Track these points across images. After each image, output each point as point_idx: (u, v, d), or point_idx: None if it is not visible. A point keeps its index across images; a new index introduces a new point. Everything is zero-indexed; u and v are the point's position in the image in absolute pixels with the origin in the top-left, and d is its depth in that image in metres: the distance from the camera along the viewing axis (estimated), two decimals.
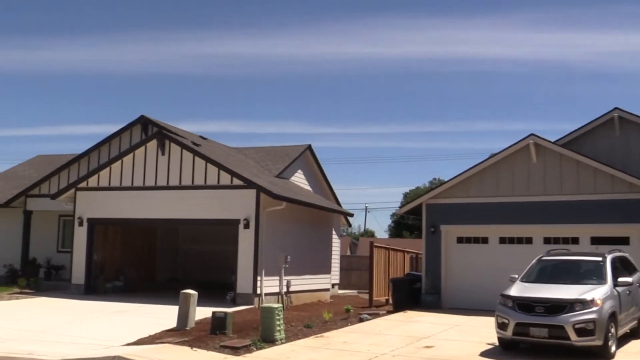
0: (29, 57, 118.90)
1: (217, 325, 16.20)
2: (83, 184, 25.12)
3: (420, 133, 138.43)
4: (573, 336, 13.16)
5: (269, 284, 22.96)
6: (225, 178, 22.89)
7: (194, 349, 14.47)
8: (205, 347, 14.60)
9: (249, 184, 22.45)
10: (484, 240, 23.38)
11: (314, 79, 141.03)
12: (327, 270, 28.58)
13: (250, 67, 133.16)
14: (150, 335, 16.02)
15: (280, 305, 16.17)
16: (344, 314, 20.84)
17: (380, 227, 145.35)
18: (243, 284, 22.22)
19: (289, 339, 15.98)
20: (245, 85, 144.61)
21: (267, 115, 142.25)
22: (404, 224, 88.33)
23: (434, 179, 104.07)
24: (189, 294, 17.09)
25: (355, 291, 35.42)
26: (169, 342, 15.04)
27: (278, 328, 15.64)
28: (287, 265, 23.88)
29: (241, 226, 22.49)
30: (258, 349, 14.63)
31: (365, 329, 18.03)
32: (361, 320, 19.64)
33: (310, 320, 19.10)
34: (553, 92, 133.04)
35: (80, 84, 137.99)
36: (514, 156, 22.83)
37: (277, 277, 23.57)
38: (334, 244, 30.85)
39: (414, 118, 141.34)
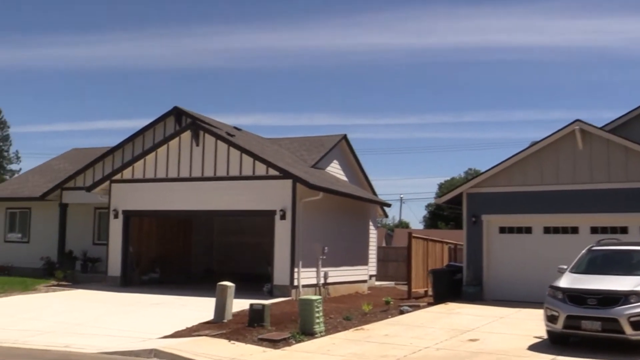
0: (63, 54, 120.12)
1: (255, 317, 15.84)
2: (118, 176, 24.96)
3: (455, 123, 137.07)
4: (628, 329, 12.51)
5: (306, 276, 22.57)
6: (261, 168, 22.51)
7: (232, 341, 14.13)
8: (243, 340, 14.27)
9: (285, 174, 22.03)
10: (528, 230, 22.64)
11: (345, 70, 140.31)
12: (364, 261, 28.09)
13: (281, 59, 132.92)
14: (187, 328, 15.73)
15: (320, 297, 15.75)
16: (383, 306, 20.34)
17: (416, 217, 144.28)
18: (280, 275, 21.84)
19: (328, 331, 15.57)
20: (276, 78, 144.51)
21: (298, 108, 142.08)
22: (440, 214, 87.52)
23: (469, 169, 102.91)
24: (225, 286, 16.75)
25: (393, 283, 34.88)
26: (207, 335, 14.73)
27: (317, 320, 15.24)
28: (324, 257, 23.45)
29: (277, 217, 22.09)
30: (297, 341, 14.25)
31: (406, 322, 17.51)
32: (401, 312, 19.12)
33: (349, 312, 18.66)
34: (590, 80, 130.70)
35: (115, 79, 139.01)
36: (558, 143, 22.04)
37: (315, 269, 23.16)
38: (371, 235, 30.34)
39: (449, 108, 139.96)
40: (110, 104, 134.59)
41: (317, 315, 15.22)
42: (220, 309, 16.63)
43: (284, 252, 21.89)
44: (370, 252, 29.88)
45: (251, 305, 16.10)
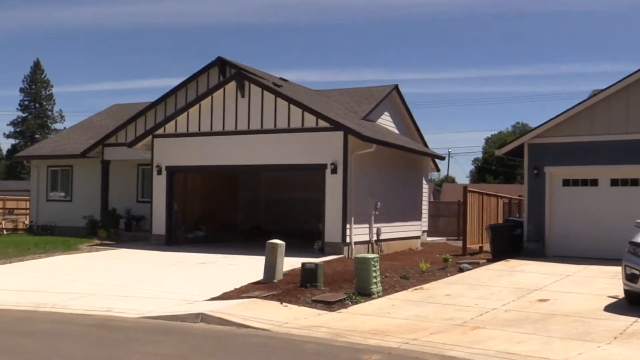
0: (104, 11, 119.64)
1: (308, 277, 14.80)
2: (160, 131, 23.95)
3: (501, 77, 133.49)
4: None
5: (359, 232, 21.42)
6: (310, 120, 21.24)
7: (284, 304, 13.12)
8: (296, 302, 13.27)
9: (336, 126, 20.74)
10: (593, 183, 21.12)
11: (390, 25, 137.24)
12: (417, 216, 26.80)
13: (324, 13, 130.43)
14: (235, 289, 14.76)
15: (377, 255, 14.63)
16: (440, 264, 19.15)
17: (464, 171, 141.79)
18: (331, 232, 20.72)
19: (385, 291, 14.52)
20: (320, 33, 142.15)
21: (342, 63, 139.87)
22: (487, 169, 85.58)
23: (517, 123, 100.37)
24: (276, 244, 15.69)
25: (444, 238, 33.61)
26: (256, 297, 13.73)
27: (374, 280, 14.15)
28: (377, 212, 22.26)
29: (328, 171, 20.88)
30: (353, 303, 13.24)
31: (467, 280, 16.32)
32: (461, 270, 17.92)
33: (405, 270, 17.56)
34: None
35: (159, 37, 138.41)
36: (629, 89, 20.32)
37: (367, 225, 21.99)
38: (423, 190, 29.00)
39: (495, 62, 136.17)
40: (153, 62, 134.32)
41: (374, 274, 14.14)
42: (270, 268, 15.60)
43: (335, 207, 20.74)
44: (422, 207, 28.57)
45: (303, 264, 15.05)
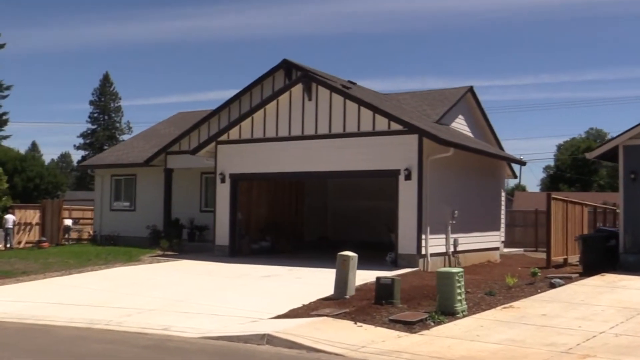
0: (167, 27, 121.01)
1: (383, 293, 13.36)
2: (224, 137, 22.87)
3: (572, 83, 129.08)
4: None
5: (434, 243, 19.83)
6: (382, 123, 19.79)
7: (358, 323, 11.70)
8: (372, 322, 11.83)
9: (410, 129, 19.24)
10: None
11: (459, 33, 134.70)
12: (496, 226, 24.97)
13: (385, 23, 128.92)
14: (303, 306, 13.42)
15: (461, 269, 13.02)
16: (527, 278, 17.35)
17: (535, 178, 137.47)
18: (405, 243, 19.17)
19: (470, 310, 12.92)
20: (382, 42, 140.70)
21: (408, 71, 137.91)
22: (561, 176, 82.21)
23: (591, 128, 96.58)
24: (347, 257, 14.29)
25: (521, 249, 31.59)
26: (327, 315, 12.33)
27: (459, 297, 12.58)
28: (454, 222, 20.63)
29: (401, 177, 19.37)
30: (436, 323, 11.71)
31: (562, 297, 14.51)
32: (552, 285, 16.07)
33: (489, 286, 15.91)
34: None
35: (223, 50, 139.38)
36: None
37: (443, 235, 20.38)
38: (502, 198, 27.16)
39: (565, 67, 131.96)
40: (218, 74, 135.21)
41: (458, 291, 12.57)
42: (342, 283, 14.20)
43: (409, 216, 19.20)
44: (501, 216, 26.73)
45: (378, 279, 13.61)
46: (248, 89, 25.19)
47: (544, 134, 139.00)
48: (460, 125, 26.16)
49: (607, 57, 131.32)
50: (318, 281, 16.62)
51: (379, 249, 24.31)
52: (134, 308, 13.42)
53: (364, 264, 19.57)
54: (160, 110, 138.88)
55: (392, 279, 13.46)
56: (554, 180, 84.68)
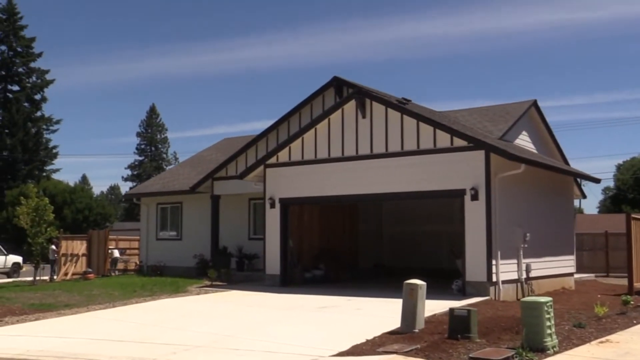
0: (219, 58, 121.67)
1: (458, 326, 11.78)
2: (272, 160, 21.59)
3: (628, 100, 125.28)
4: None
5: (505, 269, 18.09)
6: (444, 139, 18.27)
7: None
8: None
9: (476, 144, 17.69)
10: None
11: (502, 53, 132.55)
12: (570, 250, 23.04)
13: (432, 47, 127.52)
14: (367, 341, 11.90)
15: (550, 299, 11.32)
16: (615, 307, 15.52)
17: (595, 198, 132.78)
18: (473, 270, 17.49)
19: (560, 344, 11.22)
20: (427, 67, 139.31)
21: (455, 95, 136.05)
22: (623, 197, 78.89)
23: None
24: (415, 285, 12.77)
25: (592, 275, 29.44)
26: (396, 352, 10.80)
27: (549, 331, 10.91)
28: (525, 245, 18.86)
29: (467, 197, 17.75)
30: None
31: None
32: None
33: (573, 316, 14.24)
34: None
35: (264, 80, 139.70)
36: None
37: (515, 260, 18.63)
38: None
39: (623, 85, 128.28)
40: (261, 104, 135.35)
41: (548, 323, 10.89)
42: (409, 314, 12.65)
43: (477, 240, 17.53)
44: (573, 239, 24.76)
45: (452, 310, 12.02)
46: (297, 109, 23.96)
47: (600, 154, 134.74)
48: (524, 142, 24.40)
49: None
50: (380, 312, 15.12)
51: (439, 276, 22.68)
52: (181, 344, 12.05)
53: (428, 292, 18.03)
54: (206, 141, 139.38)
55: (468, 310, 11.87)
56: (616, 201, 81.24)
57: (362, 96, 19.66)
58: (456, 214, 25.14)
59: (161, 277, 25.56)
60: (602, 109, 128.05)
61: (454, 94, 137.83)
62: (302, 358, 10.72)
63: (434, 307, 15.04)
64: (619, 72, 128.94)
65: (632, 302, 15.34)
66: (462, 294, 17.53)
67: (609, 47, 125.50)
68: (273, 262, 21.30)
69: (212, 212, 26.09)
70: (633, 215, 21.02)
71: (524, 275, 18.94)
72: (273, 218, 21.43)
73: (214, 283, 22.41)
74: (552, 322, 11.08)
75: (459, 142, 17.99)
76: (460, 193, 17.86)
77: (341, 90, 22.79)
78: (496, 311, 15.04)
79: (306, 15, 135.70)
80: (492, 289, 17.37)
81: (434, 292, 18.39)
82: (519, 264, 18.78)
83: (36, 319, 15.43)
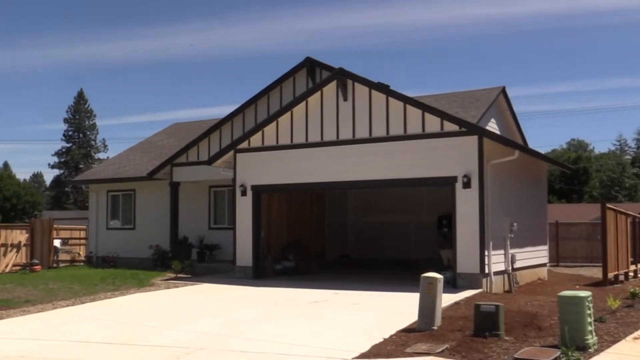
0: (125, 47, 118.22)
1: (485, 323, 10.99)
2: (244, 144, 20.27)
3: (548, 95, 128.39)
4: None
5: (495, 260, 17.43)
6: (433, 124, 17.41)
7: None
8: None
9: (469, 129, 16.91)
10: None
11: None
12: (544, 240, 22.63)
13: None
14: (385, 340, 10.96)
15: (589, 293, 10.58)
16: (622, 299, 14.98)
17: None
18: (465, 261, 16.71)
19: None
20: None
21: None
22: (550, 188, 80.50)
23: (572, 139, 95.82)
24: (434, 279, 11.85)
25: (556, 264, 29.34)
26: (429, 354, 9.82)
27: (590, 328, 10.17)
28: (512, 235, 18.24)
29: (459, 185, 16.95)
30: None
31: None
32: None
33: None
34: None
35: (196, 68, 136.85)
36: None
37: (502, 251, 17.97)
38: None
39: (538, 80, 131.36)
40: (199, 94, 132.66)
41: (589, 320, 10.15)
42: (428, 311, 11.71)
43: (470, 230, 16.75)
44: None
45: (478, 306, 11.18)
46: (265, 91, 22.70)
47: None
48: (492, 129, 23.85)
49: (582, 68, 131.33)
50: (379, 307, 14.17)
51: (411, 267, 22.07)
52: (179, 347, 10.76)
53: (410, 285, 17.23)
54: (140, 128, 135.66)
55: (496, 306, 11.03)
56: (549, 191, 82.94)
57: (344, 77, 18.57)
58: (424, 203, 24.54)
59: (115, 268, 23.89)
60: (523, 102, 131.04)
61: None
62: None
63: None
64: (536, 66, 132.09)
65: (639, 294, 14.81)
66: (452, 286, 16.73)
67: (528, 41, 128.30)
68: (244, 253, 20.03)
69: (172, 199, 24.54)
70: (608, 205, 20.76)
71: (510, 267, 18.34)
72: (244, 206, 20.15)
73: (178, 275, 21.02)
74: (592, 318, 10.36)
75: (450, 126, 17.17)
76: (452, 180, 17.04)
77: (314, 72, 21.69)
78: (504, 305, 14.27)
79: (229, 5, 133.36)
80: (484, 281, 16.66)
81: (415, 284, 17.60)
82: (505, 255, 18.15)
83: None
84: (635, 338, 10.92)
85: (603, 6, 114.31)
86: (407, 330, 11.67)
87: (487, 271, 16.73)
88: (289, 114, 19.48)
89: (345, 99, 18.59)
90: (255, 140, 20.06)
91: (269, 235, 21.16)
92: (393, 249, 24.57)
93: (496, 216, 17.41)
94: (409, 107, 17.70)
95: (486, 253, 16.73)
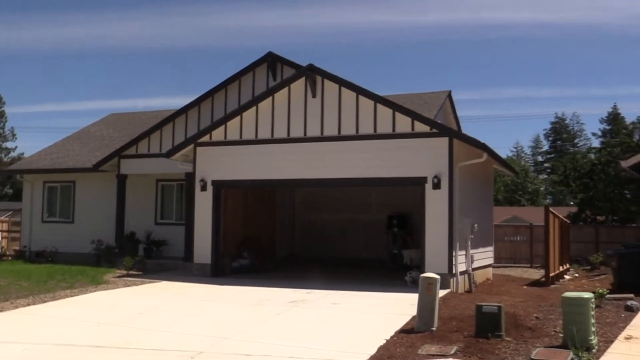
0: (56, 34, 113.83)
1: (487, 325, 11.08)
2: (205, 138, 19.76)
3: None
4: None
5: (460, 261, 17.69)
6: (404, 124, 17.47)
7: None
8: None
9: (441, 130, 17.06)
10: None
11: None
12: (491, 241, 23.17)
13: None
14: (387, 341, 10.91)
15: (592, 294, 10.85)
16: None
17: None
18: (434, 261, 16.83)
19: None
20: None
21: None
22: None
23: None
24: (433, 280, 11.89)
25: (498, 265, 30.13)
26: (444, 356, 9.83)
27: (593, 328, 10.42)
28: (472, 236, 18.57)
29: (429, 186, 17.08)
30: None
31: None
32: (630, 309, 14.21)
33: (548, 310, 13.96)
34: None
35: (110, 59, 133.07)
36: None
37: (464, 252, 18.25)
38: None
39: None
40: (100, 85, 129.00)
41: (592, 321, 10.41)
42: (427, 311, 11.73)
43: (438, 230, 16.93)
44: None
45: (480, 307, 11.27)
46: (223, 85, 22.18)
47: None
48: None
49: (484, 77, 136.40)
50: (363, 308, 14.07)
51: (365, 266, 22.28)
52: (178, 350, 10.32)
53: (375, 285, 17.31)
54: (45, 118, 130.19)
55: (498, 307, 11.16)
56: None
57: (314, 73, 18.38)
58: (373, 202, 24.69)
59: (54, 264, 22.81)
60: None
61: None
62: None
63: (402, 301, 14.46)
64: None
65: (607, 295, 15.31)
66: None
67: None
68: (202, 250, 19.53)
69: (118, 193, 23.57)
70: (551, 210, 21.55)
71: (471, 267, 18.66)
72: (204, 202, 19.64)
73: (129, 272, 20.27)
74: (594, 319, 10.63)
75: (420, 127, 17.27)
76: (422, 181, 17.16)
77: (275, 68, 21.38)
78: (471, 305, 14.39)
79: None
80: (452, 280, 16.87)
81: (381, 284, 17.74)
82: (467, 255, 18.45)
83: None
84: (627, 338, 11.25)
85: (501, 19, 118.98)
86: (406, 331, 11.64)
87: (454, 271, 16.94)
88: (254, 108, 19.12)
89: (314, 96, 18.41)
90: (218, 134, 19.59)
91: (225, 232, 20.70)
92: (342, 248, 24.58)
93: (460, 217, 17.65)
94: (379, 105, 17.70)
95: (454, 253, 16.94)
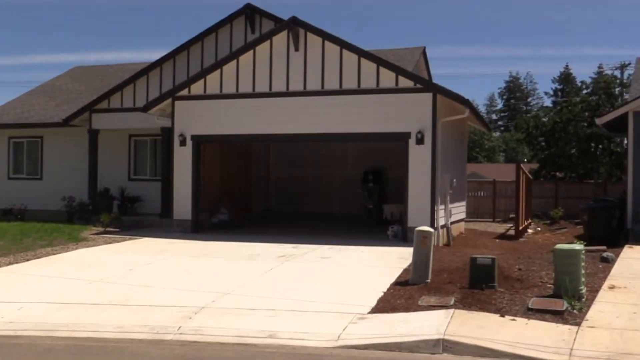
0: None
1: (481, 276, 11.32)
2: (184, 92, 19.41)
3: None
4: None
5: (441, 215, 17.92)
6: (388, 79, 17.42)
7: (507, 316, 9.51)
8: (510, 313, 9.66)
9: (425, 86, 17.09)
10: None
11: None
12: (464, 196, 23.47)
13: None
14: (385, 293, 11.15)
15: (582, 245, 11.14)
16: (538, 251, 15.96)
17: None
18: (417, 216, 16.95)
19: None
20: None
21: None
22: None
23: None
24: (428, 233, 12.01)
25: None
26: (446, 307, 10.01)
27: (583, 279, 10.72)
28: (451, 191, 18.81)
29: (412, 141, 17.16)
30: (580, 312, 9.77)
31: (633, 272, 13.07)
32: (605, 260, 14.62)
33: (532, 260, 14.27)
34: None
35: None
36: None
37: (443, 206, 18.47)
38: None
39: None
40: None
41: (582, 271, 10.71)
42: (422, 265, 11.88)
43: (420, 186, 17.07)
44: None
45: (474, 259, 11.45)
46: (199, 38, 21.74)
47: None
48: None
49: (432, 36, 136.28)
50: (354, 262, 14.25)
51: (336, 221, 22.43)
52: (179, 306, 10.30)
53: (357, 239, 17.47)
54: (6, 72, 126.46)
55: (492, 259, 11.38)
56: None
57: (297, 26, 18.13)
58: (349, 158, 24.75)
59: (23, 222, 22.32)
60: None
61: None
62: (341, 316, 9.62)
63: (389, 254, 14.71)
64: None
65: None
66: (401, 240, 17.04)
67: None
68: (183, 206, 19.38)
69: (90, 148, 23.01)
70: (521, 166, 22.00)
71: (449, 221, 18.93)
72: (183, 157, 19.41)
73: (107, 229, 20.01)
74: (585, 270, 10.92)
75: (404, 82, 17.26)
76: (405, 136, 17.22)
77: (253, 20, 21.03)
78: (455, 257, 14.70)
79: None
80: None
81: (363, 238, 17.91)
82: (446, 210, 18.69)
83: None
84: (610, 287, 11.58)
85: None
86: (401, 283, 11.82)
87: (436, 225, 17.15)
88: (234, 62, 18.82)
89: (296, 49, 18.19)
90: (197, 88, 19.27)
91: (204, 188, 20.56)
92: (316, 203, 24.61)
93: (441, 172, 17.81)
94: (363, 60, 17.61)
95: (436, 208, 17.13)
